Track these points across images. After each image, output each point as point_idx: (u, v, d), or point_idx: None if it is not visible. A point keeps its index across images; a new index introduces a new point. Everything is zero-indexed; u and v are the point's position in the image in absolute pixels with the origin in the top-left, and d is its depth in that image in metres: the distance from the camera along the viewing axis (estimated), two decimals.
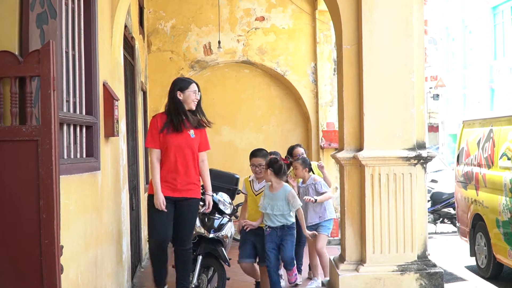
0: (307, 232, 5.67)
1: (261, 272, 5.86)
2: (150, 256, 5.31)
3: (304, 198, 6.09)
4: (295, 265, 5.62)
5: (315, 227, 6.22)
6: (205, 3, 9.86)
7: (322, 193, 6.22)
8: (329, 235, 6.40)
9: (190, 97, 5.10)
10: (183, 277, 5.21)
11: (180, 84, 5.14)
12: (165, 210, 4.98)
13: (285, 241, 5.45)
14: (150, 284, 6.50)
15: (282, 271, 5.98)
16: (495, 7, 23.55)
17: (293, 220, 5.51)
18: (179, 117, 5.05)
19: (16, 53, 3.31)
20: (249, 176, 5.93)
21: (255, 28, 10.02)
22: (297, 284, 6.52)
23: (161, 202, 4.97)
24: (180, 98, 5.07)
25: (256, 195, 5.78)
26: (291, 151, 6.81)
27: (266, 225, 5.52)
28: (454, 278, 7.52)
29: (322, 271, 6.41)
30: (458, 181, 8.39)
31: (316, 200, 6.07)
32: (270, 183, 5.48)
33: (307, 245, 6.69)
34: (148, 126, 5.15)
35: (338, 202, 8.49)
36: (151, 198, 5.11)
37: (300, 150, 6.76)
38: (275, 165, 5.40)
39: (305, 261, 6.81)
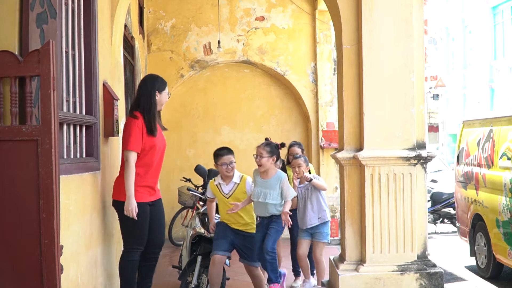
0: (287, 217, 5.22)
1: (247, 270, 5.56)
2: (126, 270, 4.81)
3: (303, 176, 5.73)
4: (280, 282, 5.26)
5: (313, 230, 5.88)
6: (205, 3, 9.86)
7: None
8: (329, 241, 6.09)
9: (164, 99, 4.90)
10: (151, 277, 5.03)
11: (159, 84, 4.87)
12: (136, 218, 4.63)
13: (270, 229, 5.21)
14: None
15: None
16: (495, 7, 23.55)
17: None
18: (156, 118, 4.81)
19: (16, 52, 3.31)
20: (214, 180, 5.47)
21: (255, 28, 10.01)
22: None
23: (134, 209, 4.58)
24: (156, 98, 4.81)
25: (227, 198, 5.35)
26: (289, 147, 6.61)
27: (256, 216, 5.33)
28: (454, 278, 7.51)
29: (316, 277, 6.14)
30: (458, 181, 8.39)
31: (311, 179, 5.68)
32: (261, 169, 5.26)
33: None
34: (128, 127, 4.71)
35: (338, 202, 8.50)
36: (122, 205, 4.65)
37: (297, 150, 6.46)
38: (276, 150, 5.26)
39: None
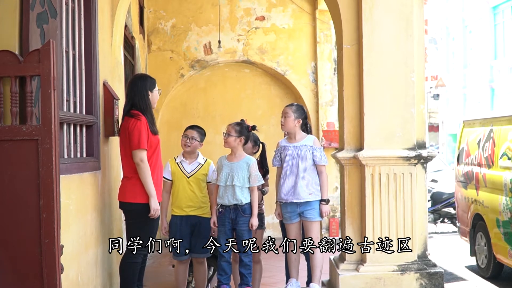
0: (256, 222, 5.00)
1: (195, 265, 5.42)
2: (128, 272, 4.75)
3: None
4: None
5: (301, 207, 5.07)
6: (205, 2, 9.85)
7: (319, 167, 5.12)
8: (321, 219, 5.19)
9: (156, 97, 4.85)
10: (142, 279, 4.98)
11: (149, 83, 4.80)
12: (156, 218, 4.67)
13: (242, 232, 4.97)
14: (151, 283, 6.52)
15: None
16: (495, 6, 23.54)
17: (248, 201, 5.00)
18: (154, 118, 4.79)
19: (17, 52, 3.31)
20: (175, 158, 5.35)
21: (255, 27, 10.01)
22: None
23: (158, 209, 4.61)
24: (149, 97, 4.76)
25: (188, 177, 5.25)
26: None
27: (218, 205, 5.05)
28: (454, 278, 7.51)
29: (315, 275, 5.13)
30: (458, 180, 8.39)
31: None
32: (225, 146, 5.10)
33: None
34: (135, 127, 4.59)
35: (338, 202, 8.50)
36: (145, 207, 4.59)
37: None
38: (246, 132, 5.10)
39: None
